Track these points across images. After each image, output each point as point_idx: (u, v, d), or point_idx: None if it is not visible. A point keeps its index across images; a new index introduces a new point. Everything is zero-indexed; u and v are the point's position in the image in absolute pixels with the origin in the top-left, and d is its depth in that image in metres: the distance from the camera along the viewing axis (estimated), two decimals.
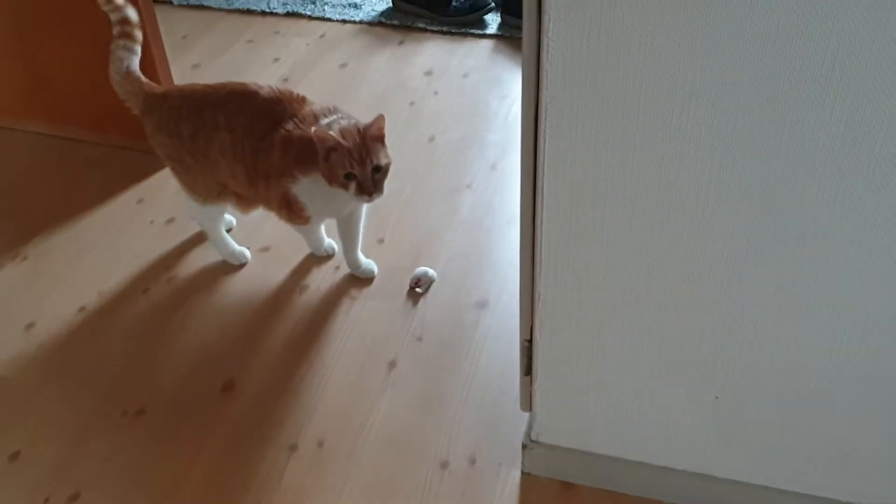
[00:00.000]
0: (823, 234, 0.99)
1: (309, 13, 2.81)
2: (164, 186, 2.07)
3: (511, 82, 2.40)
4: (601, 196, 1.04)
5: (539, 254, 1.12)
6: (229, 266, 1.84)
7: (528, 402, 1.33)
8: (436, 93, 2.39)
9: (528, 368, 1.27)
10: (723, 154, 0.96)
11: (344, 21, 2.77)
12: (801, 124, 0.92)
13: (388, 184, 1.58)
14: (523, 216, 1.12)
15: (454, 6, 2.67)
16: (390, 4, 2.80)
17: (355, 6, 2.82)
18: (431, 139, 2.20)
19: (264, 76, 2.49)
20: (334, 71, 2.51)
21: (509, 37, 2.61)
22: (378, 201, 1.57)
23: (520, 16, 2.71)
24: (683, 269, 1.08)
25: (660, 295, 1.11)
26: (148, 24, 1.97)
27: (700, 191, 1.00)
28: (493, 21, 2.69)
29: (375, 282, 1.78)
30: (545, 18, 0.93)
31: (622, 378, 1.22)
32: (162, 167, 2.10)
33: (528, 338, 1.24)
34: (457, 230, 1.90)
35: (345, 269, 1.80)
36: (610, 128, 0.99)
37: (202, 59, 2.60)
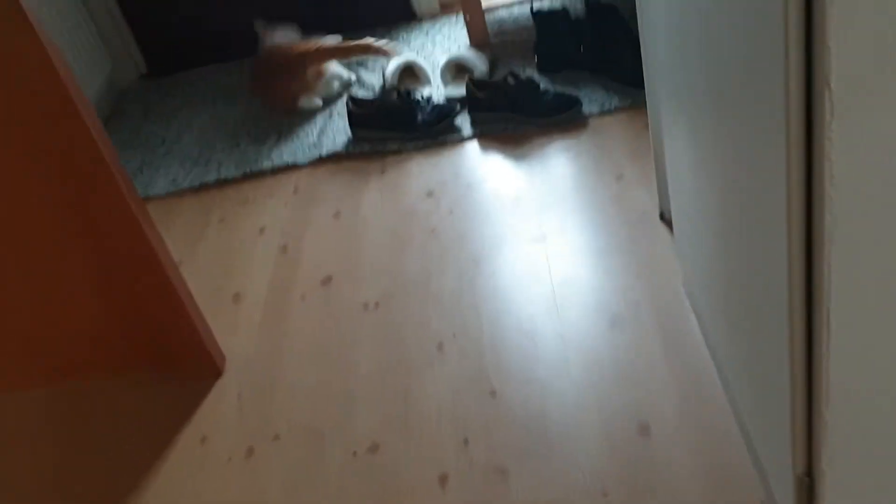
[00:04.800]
0: None
1: (268, 167, 2.62)
2: (221, 408, 1.82)
3: (519, 179, 2.28)
4: None
5: (824, 369, 0.98)
6: None
7: None
8: (451, 212, 2.24)
9: None
10: None
11: (311, 163, 2.59)
12: None
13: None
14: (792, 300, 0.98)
15: (421, 120, 2.55)
16: (349, 135, 2.65)
17: (314, 146, 2.65)
18: (476, 263, 2.05)
19: (261, 254, 2.28)
20: (331, 224, 2.33)
21: (487, 134, 2.51)
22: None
23: (490, 109, 2.59)
24: None
25: None
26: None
27: None
28: (462, 122, 2.58)
29: None
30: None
31: None
32: (211, 385, 1.87)
33: (807, 471, 1.10)
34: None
35: None
36: None
37: (181, 254, 2.36)
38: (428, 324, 1.91)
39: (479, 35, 2.87)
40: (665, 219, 1.99)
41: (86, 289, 1.83)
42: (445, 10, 3.26)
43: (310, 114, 2.82)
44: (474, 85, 2.55)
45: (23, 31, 1.46)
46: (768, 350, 1.12)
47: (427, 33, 3.13)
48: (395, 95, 2.57)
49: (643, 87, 2.45)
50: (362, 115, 2.59)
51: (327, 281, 2.13)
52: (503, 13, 3.09)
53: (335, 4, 3.25)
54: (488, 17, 2.95)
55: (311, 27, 3.20)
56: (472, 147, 2.49)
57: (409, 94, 2.59)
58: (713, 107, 1.18)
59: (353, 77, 2.96)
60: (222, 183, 2.62)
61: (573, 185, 2.21)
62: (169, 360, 1.92)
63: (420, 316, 1.94)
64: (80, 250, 1.75)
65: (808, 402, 1.04)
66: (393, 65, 2.78)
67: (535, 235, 2.08)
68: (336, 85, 2.88)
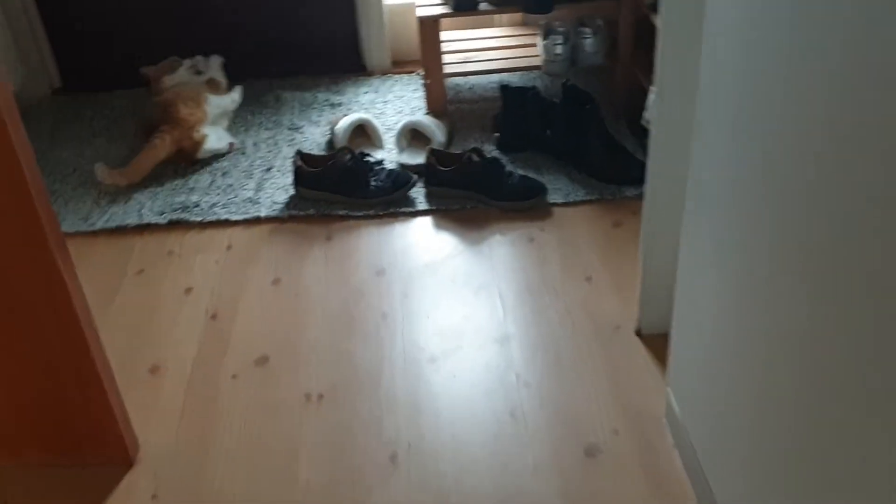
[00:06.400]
0: None
1: (198, 219, 2.36)
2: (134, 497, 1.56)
3: (479, 265, 2.12)
4: None
5: None
6: None
7: None
8: (405, 295, 2.05)
9: None
10: None
11: (247, 221, 2.35)
12: None
13: None
14: None
15: (374, 186, 2.36)
16: (292, 192, 2.43)
17: (251, 201, 2.42)
18: (433, 360, 1.86)
19: (186, 320, 2.01)
20: (269, 292, 2.09)
21: (444, 210, 2.34)
22: None
23: (450, 185, 2.42)
24: None
25: None
26: None
27: None
28: (418, 194, 2.40)
29: None
30: None
31: None
32: (119, 476, 1.60)
33: None
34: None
35: None
36: None
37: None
38: (379, 428, 1.71)
39: (438, 101, 2.72)
40: (642, 336, 1.87)
41: None
42: (398, 66, 3.10)
43: (242, 161, 2.58)
44: (435, 156, 2.39)
45: None
46: None
47: (377, 90, 2.95)
48: (347, 156, 2.37)
49: (611, 183, 2.37)
50: (310, 173, 2.38)
51: (263, 361, 1.89)
52: (459, 80, 2.96)
53: (281, 47, 3.04)
54: (445, 83, 2.80)
55: (254, 69, 2.99)
56: (426, 223, 2.32)
57: (363, 155, 2.40)
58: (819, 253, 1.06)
59: (240, 96, 2.79)
60: (143, 228, 2.34)
61: (538, 280, 2.06)
62: (70, 440, 1.63)
63: (370, 417, 1.73)
64: None
65: None
66: (345, 122, 2.59)
67: (497, 335, 1.92)
68: (220, 116, 2.70)
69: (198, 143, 2.53)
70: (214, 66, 2.80)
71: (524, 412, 1.71)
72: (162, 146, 2.49)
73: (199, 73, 2.77)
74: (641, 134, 2.50)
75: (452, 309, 2.00)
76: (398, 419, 1.72)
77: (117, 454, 1.64)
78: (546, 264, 2.11)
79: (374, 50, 3.05)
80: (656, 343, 1.84)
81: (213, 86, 2.73)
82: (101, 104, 2.95)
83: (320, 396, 1.78)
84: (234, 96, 2.77)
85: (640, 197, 2.31)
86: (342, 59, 3.07)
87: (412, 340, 1.92)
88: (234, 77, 2.84)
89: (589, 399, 1.74)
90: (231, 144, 2.64)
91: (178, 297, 2.09)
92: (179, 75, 2.69)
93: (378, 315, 2.00)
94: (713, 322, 1.36)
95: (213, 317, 2.02)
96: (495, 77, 2.93)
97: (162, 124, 2.53)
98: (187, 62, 2.75)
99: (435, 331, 1.94)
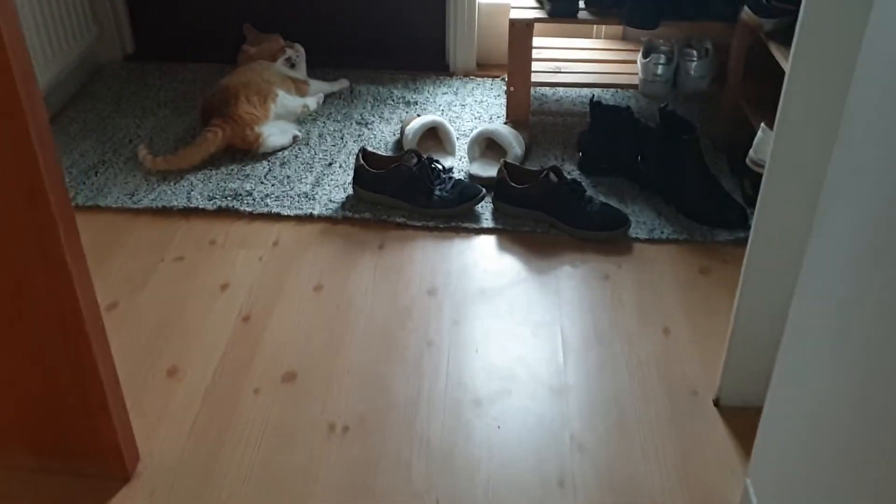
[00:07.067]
0: None
1: (248, 209, 2.19)
2: None
3: (542, 299, 1.90)
4: None
5: None
6: None
7: None
8: (455, 322, 1.84)
9: None
10: None
11: (299, 218, 2.17)
12: None
13: None
14: None
15: (438, 196, 2.15)
16: (348, 192, 2.24)
17: (307, 196, 2.24)
18: (477, 403, 1.65)
19: (216, 319, 1.84)
20: (309, 298, 1.91)
21: (510, 230, 2.12)
22: None
23: (521, 204, 2.19)
24: None
25: None
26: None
27: None
28: (484, 210, 2.19)
29: None
30: None
31: None
32: (112, 491, 1.43)
33: None
34: None
35: None
36: None
37: (117, 294, 1.91)
38: (408, 474, 1.50)
39: (520, 110, 2.50)
40: (720, 407, 1.62)
41: None
42: (482, 69, 2.89)
43: (304, 153, 2.41)
44: (507, 171, 2.17)
45: None
46: None
47: (457, 92, 2.75)
48: (414, 160, 2.18)
49: (703, 224, 2.11)
50: (371, 175, 2.18)
51: (290, 378, 1.70)
52: (546, 91, 2.74)
53: (362, 37, 2.86)
54: (531, 92, 2.58)
55: (331, 58, 2.83)
56: (489, 243, 2.10)
57: (430, 161, 2.20)
58: None
59: (318, 103, 2.62)
60: (189, 212, 2.18)
61: (608, 325, 1.83)
62: (63, 446, 1.46)
63: (398, 460, 1.53)
64: None
65: None
66: (417, 123, 2.39)
67: (554, 383, 1.69)
68: (290, 113, 2.52)
69: (251, 143, 2.37)
70: (301, 62, 2.65)
71: (575, 482, 1.48)
72: (213, 140, 2.33)
73: (292, 65, 2.61)
74: (741, 173, 2.24)
75: (506, 345, 1.78)
76: (429, 467, 1.51)
77: (113, 466, 1.47)
78: (620, 308, 1.88)
79: (460, 50, 2.85)
80: (737, 417, 1.59)
81: (292, 83, 2.57)
82: (172, 75, 2.82)
83: (346, 429, 1.58)
84: (309, 103, 2.57)
85: (733, 243, 2.06)
86: (424, 56, 2.87)
87: (457, 376, 1.70)
88: (310, 65, 2.69)
89: (652, 475, 1.49)
90: (295, 137, 2.47)
91: (213, 292, 1.92)
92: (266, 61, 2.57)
93: (423, 341, 1.79)
94: (821, 410, 1.11)
95: (246, 319, 1.84)
96: (584, 92, 2.70)
97: (217, 115, 2.36)
98: (288, 51, 2.60)
99: (483, 368, 1.73)
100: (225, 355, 1.75)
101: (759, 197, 1.44)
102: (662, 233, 2.10)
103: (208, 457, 1.53)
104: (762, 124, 2.03)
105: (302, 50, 2.67)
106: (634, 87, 2.50)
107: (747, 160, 2.09)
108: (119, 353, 1.70)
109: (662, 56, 2.36)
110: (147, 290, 1.93)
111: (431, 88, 2.77)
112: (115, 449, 1.44)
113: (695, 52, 2.38)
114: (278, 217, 2.17)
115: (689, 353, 1.76)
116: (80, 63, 2.73)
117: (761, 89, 2.44)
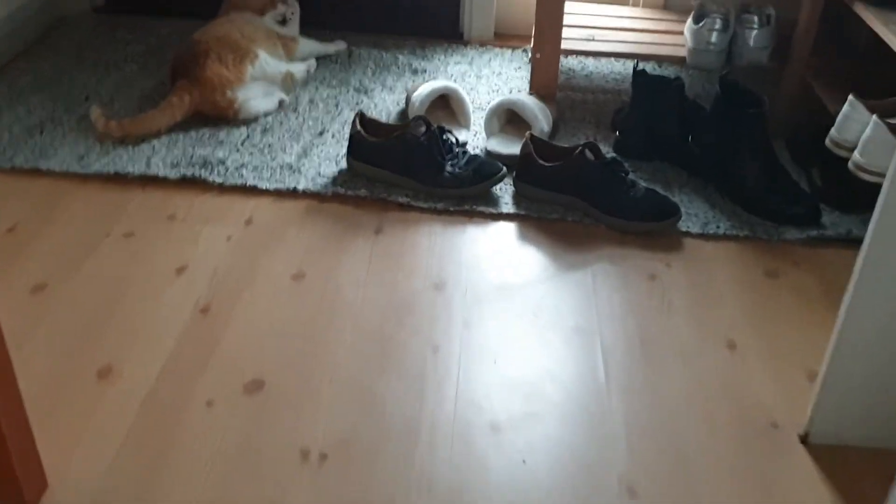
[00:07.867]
0: None
1: (219, 180, 1.83)
2: None
3: (575, 301, 1.53)
4: None
5: None
6: None
7: None
8: (466, 325, 1.48)
9: None
10: None
11: (279, 193, 1.81)
12: None
13: None
14: None
15: (449, 173, 1.79)
16: (342, 166, 1.88)
17: (291, 168, 1.87)
18: (495, 429, 1.28)
19: (168, 309, 1.47)
20: (286, 288, 1.54)
21: (536, 217, 1.76)
22: None
23: (549, 187, 1.73)
24: None
25: None
26: None
27: None
28: (504, 192, 1.83)
29: None
30: None
31: None
32: None
33: None
34: None
35: None
36: None
37: (47, 274, 1.54)
38: None
39: (546, 81, 2.14)
40: (808, 444, 1.26)
41: None
42: (500, 39, 2.54)
43: (291, 119, 2.05)
44: (534, 146, 1.81)
45: None
46: None
47: (472, 62, 2.39)
48: (422, 129, 1.81)
49: (767, 219, 1.74)
50: (370, 144, 1.82)
51: (255, 388, 1.33)
52: (574, 63, 2.38)
53: (370, 4, 2.50)
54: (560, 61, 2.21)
55: (328, 19, 2.47)
56: (509, 230, 1.74)
57: (441, 131, 1.83)
58: None
59: (308, 71, 2.24)
60: (147, 181, 1.82)
61: (658, 336, 1.46)
62: None
63: (391, 502, 1.16)
64: None
65: None
66: (425, 88, 2.02)
67: (594, 409, 1.31)
68: (270, 75, 2.10)
69: (224, 109, 2.00)
70: (295, 20, 2.28)
71: None
72: (179, 106, 1.96)
73: (284, 22, 2.23)
74: (806, 162, 1.89)
75: (531, 356, 1.42)
76: None
77: (9, 494, 1.10)
78: (671, 315, 1.51)
79: (477, 15, 2.50)
80: (831, 459, 1.23)
81: (278, 40, 2.19)
82: (143, 30, 2.46)
83: (323, 457, 1.21)
84: (296, 71, 2.19)
85: (804, 242, 1.69)
86: (435, 21, 2.52)
87: (468, 393, 1.34)
88: (303, 24, 2.32)
89: None
90: (282, 101, 2.10)
91: (167, 275, 1.55)
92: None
93: (427, 346, 1.42)
94: None
95: (204, 311, 1.47)
96: (617, 68, 2.34)
97: (184, 76, 1.99)
98: (281, 6, 2.22)
99: (503, 384, 1.36)
100: (173, 355, 1.37)
101: (880, 197, 1.08)
102: (718, 227, 1.74)
103: (140, 486, 1.16)
104: (850, 96, 1.67)
105: (297, 5, 2.30)
106: (680, 60, 2.14)
107: (827, 141, 1.73)
108: (41, 346, 1.34)
109: (718, 20, 2.00)
110: (84, 269, 1.55)
111: (442, 56, 2.41)
112: (9, 474, 1.07)
113: (755, 19, 2.02)
114: (254, 191, 1.80)
115: (761, 373, 1.39)
116: (39, 10, 2.37)
117: (834, 65, 2.09)
